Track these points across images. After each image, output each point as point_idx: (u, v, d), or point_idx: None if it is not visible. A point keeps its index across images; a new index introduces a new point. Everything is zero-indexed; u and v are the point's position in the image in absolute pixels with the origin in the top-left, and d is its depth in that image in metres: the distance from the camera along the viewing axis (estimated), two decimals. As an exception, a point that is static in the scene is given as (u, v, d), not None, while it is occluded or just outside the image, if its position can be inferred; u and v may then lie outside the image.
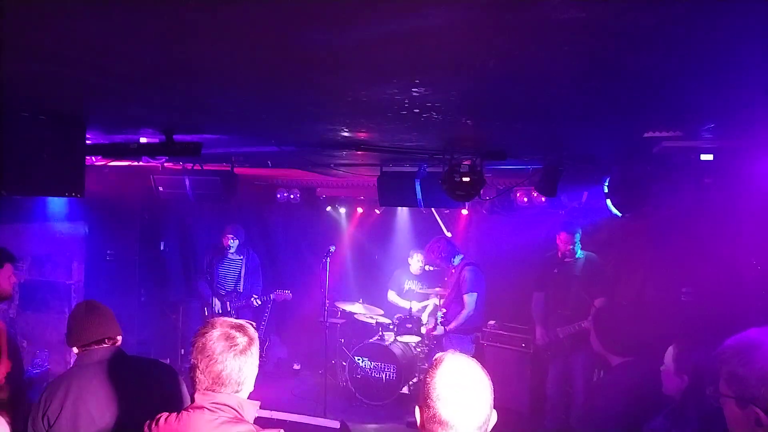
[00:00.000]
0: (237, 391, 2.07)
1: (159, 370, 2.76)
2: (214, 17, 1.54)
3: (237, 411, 2.03)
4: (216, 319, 2.17)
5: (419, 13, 1.46)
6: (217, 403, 2.01)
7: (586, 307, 5.45)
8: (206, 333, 2.08)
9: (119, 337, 2.78)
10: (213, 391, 2.03)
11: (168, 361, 7.34)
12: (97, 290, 6.24)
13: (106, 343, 2.71)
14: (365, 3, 1.42)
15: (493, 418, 1.73)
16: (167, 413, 2.07)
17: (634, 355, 3.16)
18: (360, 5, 1.43)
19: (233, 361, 2.04)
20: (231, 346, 2.04)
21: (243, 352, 2.06)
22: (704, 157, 3.95)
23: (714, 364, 1.97)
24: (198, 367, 2.04)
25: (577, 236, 5.59)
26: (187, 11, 1.49)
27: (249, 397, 2.16)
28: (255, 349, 2.13)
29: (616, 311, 4.03)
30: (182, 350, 7.55)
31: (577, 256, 5.62)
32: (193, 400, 2.06)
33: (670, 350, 2.83)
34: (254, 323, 2.30)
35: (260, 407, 2.15)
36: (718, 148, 3.85)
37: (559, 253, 5.68)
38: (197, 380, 2.05)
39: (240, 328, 2.12)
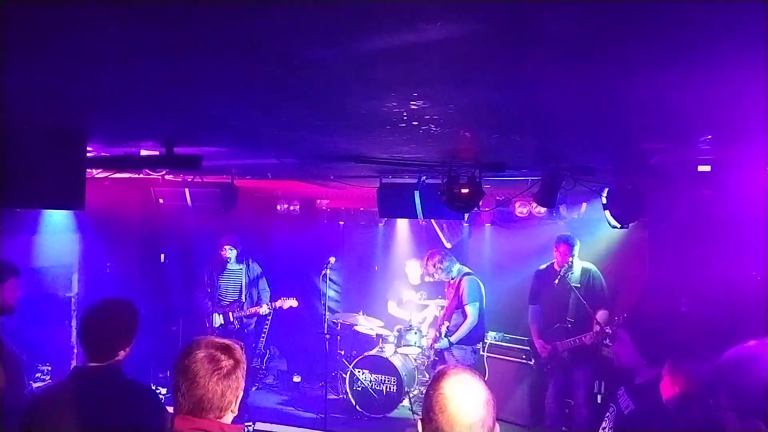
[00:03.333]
0: (219, 417, 1.96)
1: (143, 393, 2.64)
2: (215, 32, 1.56)
3: None
4: (202, 338, 2.05)
5: (417, 28, 1.48)
6: (198, 429, 1.91)
7: (586, 319, 5.42)
8: (190, 354, 1.96)
9: (122, 352, 2.64)
10: (193, 415, 1.92)
11: (168, 373, 7.32)
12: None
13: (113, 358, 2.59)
14: (363, 18, 1.44)
15: (496, 431, 1.73)
16: None
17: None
18: (358, 21, 1.45)
19: (216, 386, 1.92)
20: (215, 370, 1.93)
21: (227, 376, 1.95)
22: (702, 168, 3.97)
23: (713, 376, 1.97)
24: (180, 390, 1.93)
25: (576, 248, 5.58)
26: (189, 26, 1.51)
27: (245, 410, 2.11)
28: (240, 373, 2.01)
29: (652, 315, 3.79)
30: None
31: (574, 267, 5.60)
32: (172, 423, 1.95)
33: (668, 361, 2.83)
34: (242, 343, 2.17)
35: (261, 420, 2.11)
36: (715, 160, 3.87)
37: (557, 265, 5.66)
38: (178, 403, 1.94)
39: (226, 350, 2.00)
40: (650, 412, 2.99)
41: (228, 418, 2.00)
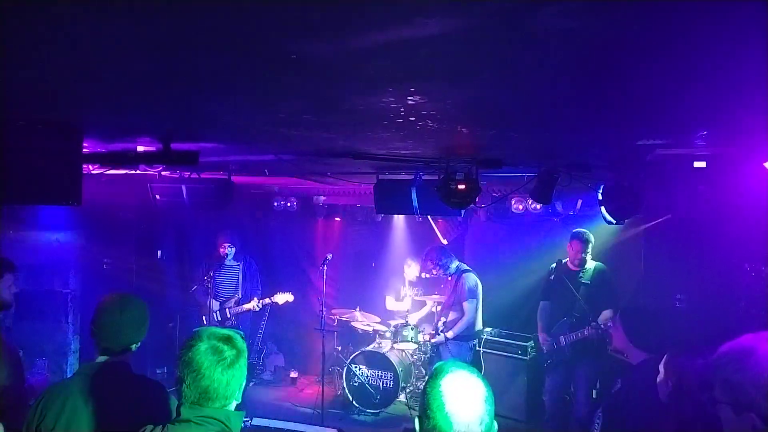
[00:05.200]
0: (224, 405, 2.02)
1: (151, 388, 2.64)
2: (210, 28, 1.56)
3: (224, 424, 1.99)
4: (203, 329, 2.10)
5: (413, 23, 1.49)
6: (204, 417, 1.96)
7: (591, 316, 5.41)
8: (193, 346, 2.01)
9: (134, 346, 2.64)
10: (200, 405, 1.98)
11: (165, 369, 7.33)
12: (94, 299, 6.22)
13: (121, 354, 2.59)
14: (359, 13, 1.44)
15: (494, 428, 1.73)
16: (152, 426, 2.03)
17: (658, 353, 3.07)
18: (354, 15, 1.46)
19: (221, 376, 1.98)
20: (219, 360, 1.99)
21: (231, 365, 2.01)
22: (697, 164, 3.99)
23: (708, 371, 1.98)
24: (184, 381, 1.99)
25: (590, 245, 5.55)
26: (185, 21, 1.51)
27: (242, 405, 2.14)
28: (243, 362, 2.07)
29: (646, 306, 3.98)
30: (179, 359, 7.53)
31: (587, 265, 5.59)
32: (179, 413, 2.00)
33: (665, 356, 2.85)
34: (243, 333, 2.23)
35: (258, 415, 2.13)
36: (710, 156, 3.89)
37: (569, 262, 5.65)
38: (183, 394, 1.99)
39: (228, 341, 2.06)
40: (632, 388, 3.14)
41: (232, 405, 2.07)
